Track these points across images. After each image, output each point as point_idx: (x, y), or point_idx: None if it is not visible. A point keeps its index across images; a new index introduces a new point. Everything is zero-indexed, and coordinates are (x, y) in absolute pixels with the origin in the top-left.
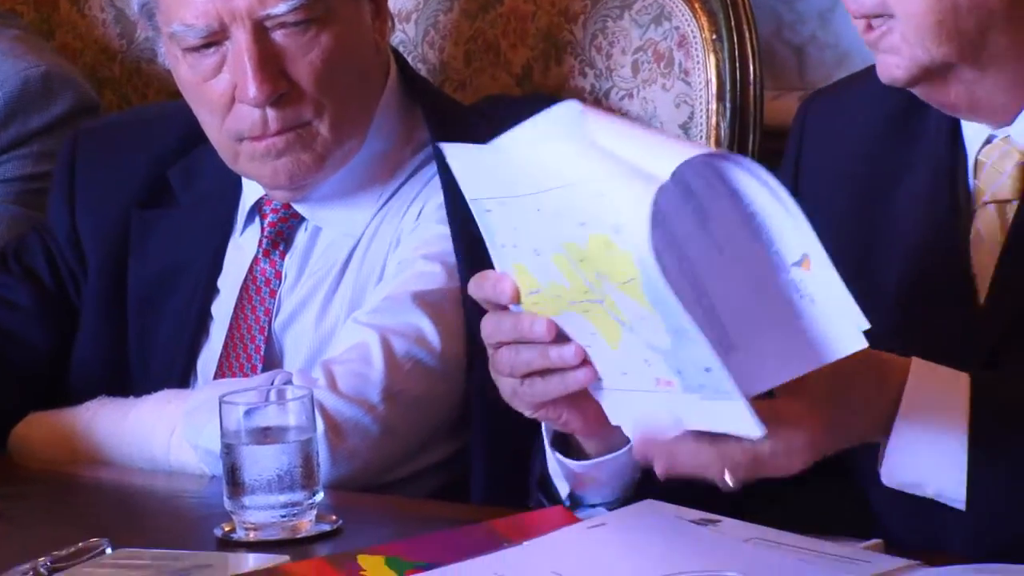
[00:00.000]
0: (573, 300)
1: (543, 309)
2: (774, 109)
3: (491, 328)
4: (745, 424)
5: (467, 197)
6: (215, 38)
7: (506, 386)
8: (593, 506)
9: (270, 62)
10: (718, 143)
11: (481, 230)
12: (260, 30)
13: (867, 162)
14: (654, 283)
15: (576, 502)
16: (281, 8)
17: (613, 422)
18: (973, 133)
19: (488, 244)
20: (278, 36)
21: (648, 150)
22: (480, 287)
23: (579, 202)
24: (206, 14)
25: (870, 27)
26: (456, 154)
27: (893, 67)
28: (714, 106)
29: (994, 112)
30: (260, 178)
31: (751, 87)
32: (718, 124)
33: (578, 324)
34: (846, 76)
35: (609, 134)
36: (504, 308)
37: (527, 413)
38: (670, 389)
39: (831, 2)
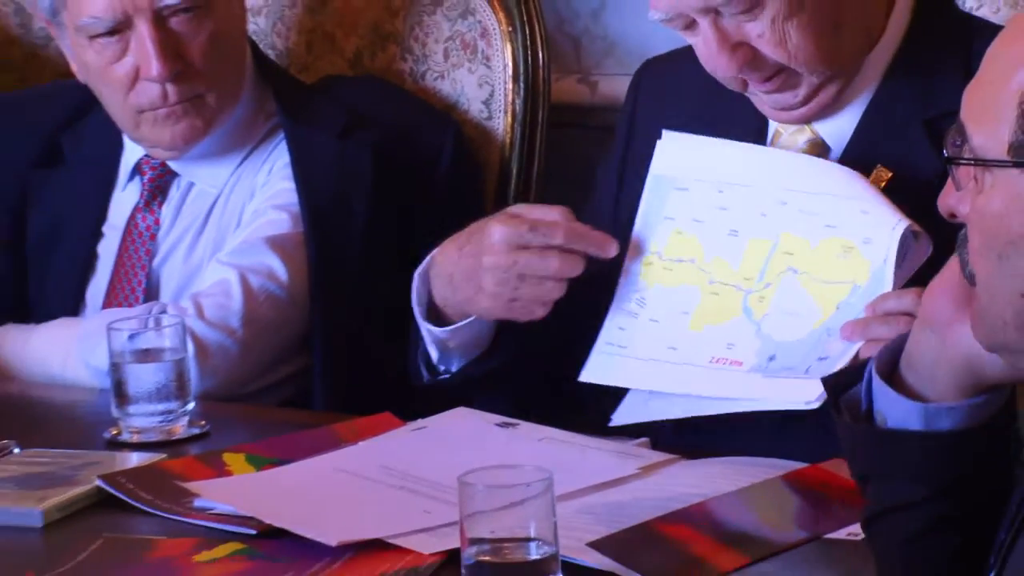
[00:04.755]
0: (714, 279)
1: (654, 271)
2: (556, 89)
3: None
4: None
5: (665, 173)
6: (120, 27)
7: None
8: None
9: (168, 45)
10: (514, 117)
11: (652, 197)
12: (159, 19)
13: (691, 122)
14: (880, 288)
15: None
16: None
17: (587, 376)
18: None
19: (654, 208)
20: (173, 23)
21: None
22: (580, 228)
23: (840, 211)
24: (112, 8)
25: (766, 80)
26: (676, 140)
27: (791, 98)
28: (510, 86)
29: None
30: (159, 141)
31: (540, 70)
32: (514, 101)
33: (673, 298)
34: (676, 49)
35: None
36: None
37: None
38: (734, 369)
39: (600, 2)
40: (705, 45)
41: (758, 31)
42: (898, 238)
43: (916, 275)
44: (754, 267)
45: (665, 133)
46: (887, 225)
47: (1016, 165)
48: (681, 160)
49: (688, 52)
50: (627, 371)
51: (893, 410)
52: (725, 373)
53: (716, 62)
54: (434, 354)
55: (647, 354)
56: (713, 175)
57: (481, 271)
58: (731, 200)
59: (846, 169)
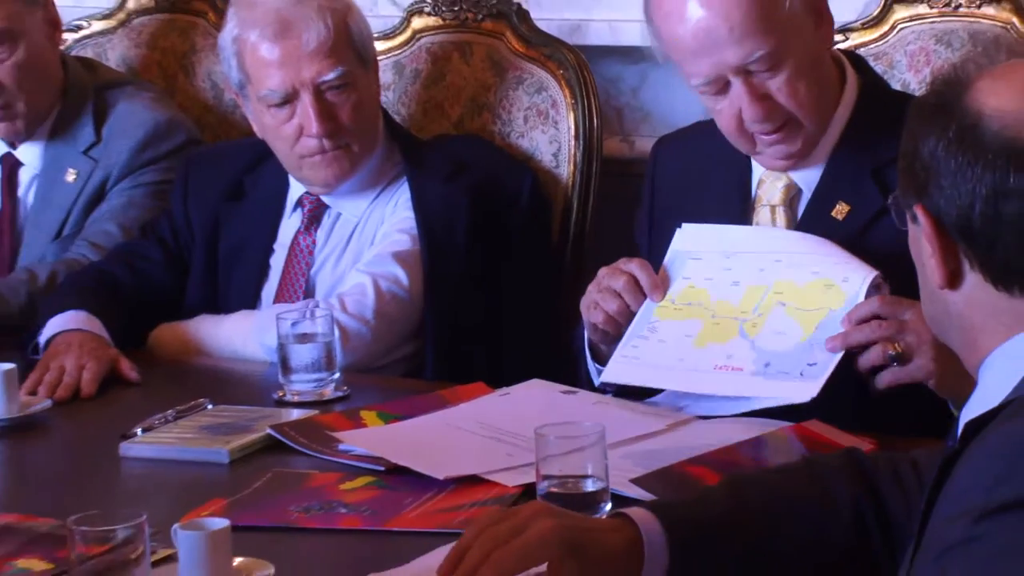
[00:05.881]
0: (716, 314)
1: (666, 311)
2: (605, 146)
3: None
4: (799, 394)
5: (682, 249)
6: (289, 98)
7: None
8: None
9: (324, 111)
10: (575, 166)
11: (672, 265)
12: (318, 92)
13: (697, 180)
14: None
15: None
16: (330, 76)
17: (606, 377)
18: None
19: (673, 272)
20: (328, 95)
21: (858, 259)
22: (646, 274)
23: (823, 262)
24: (284, 83)
25: (775, 131)
26: (692, 229)
27: (791, 148)
28: (573, 143)
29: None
30: (315, 179)
31: (594, 132)
32: (575, 154)
33: (683, 327)
34: (681, 128)
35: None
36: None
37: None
38: (736, 373)
39: (639, 81)
40: (736, 102)
41: (777, 86)
42: (870, 279)
43: None
44: (750, 304)
45: (684, 225)
46: (862, 272)
47: (905, 206)
48: (696, 241)
49: (692, 129)
50: (641, 374)
51: None
52: (730, 376)
53: (748, 110)
54: (595, 381)
55: (658, 362)
56: (722, 248)
57: (594, 280)
58: (735, 263)
59: (824, 240)
